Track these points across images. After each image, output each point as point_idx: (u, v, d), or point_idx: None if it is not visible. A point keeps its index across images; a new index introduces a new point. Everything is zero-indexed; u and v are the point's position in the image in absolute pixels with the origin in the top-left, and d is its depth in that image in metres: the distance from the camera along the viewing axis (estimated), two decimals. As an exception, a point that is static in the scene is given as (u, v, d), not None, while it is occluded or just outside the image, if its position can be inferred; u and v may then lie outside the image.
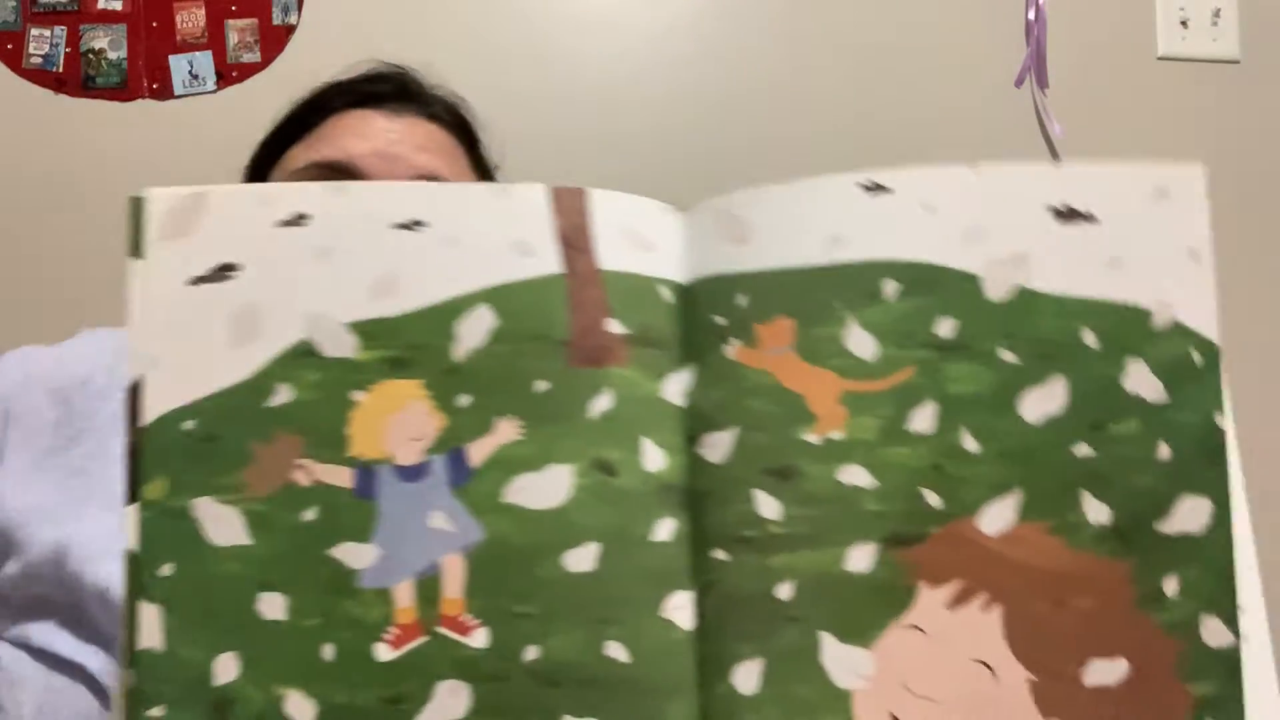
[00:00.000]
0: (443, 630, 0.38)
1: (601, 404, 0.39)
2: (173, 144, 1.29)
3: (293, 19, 1.30)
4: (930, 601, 0.39)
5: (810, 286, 0.41)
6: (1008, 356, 0.40)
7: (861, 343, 0.40)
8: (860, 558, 0.39)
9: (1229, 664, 0.39)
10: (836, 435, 0.40)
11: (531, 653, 0.38)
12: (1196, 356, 0.40)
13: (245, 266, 0.40)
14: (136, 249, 0.41)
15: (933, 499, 0.39)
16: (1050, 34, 1.39)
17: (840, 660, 0.38)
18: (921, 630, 0.39)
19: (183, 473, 0.40)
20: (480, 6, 1.30)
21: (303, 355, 0.40)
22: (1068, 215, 0.40)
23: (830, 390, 0.40)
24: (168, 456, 0.40)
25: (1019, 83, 1.39)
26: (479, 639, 0.38)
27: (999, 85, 1.39)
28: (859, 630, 0.38)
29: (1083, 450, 0.39)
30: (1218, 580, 0.39)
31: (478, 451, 0.39)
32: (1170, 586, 0.39)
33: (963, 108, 1.38)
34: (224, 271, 0.40)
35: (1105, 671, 0.38)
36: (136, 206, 0.41)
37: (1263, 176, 1.43)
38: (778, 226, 0.41)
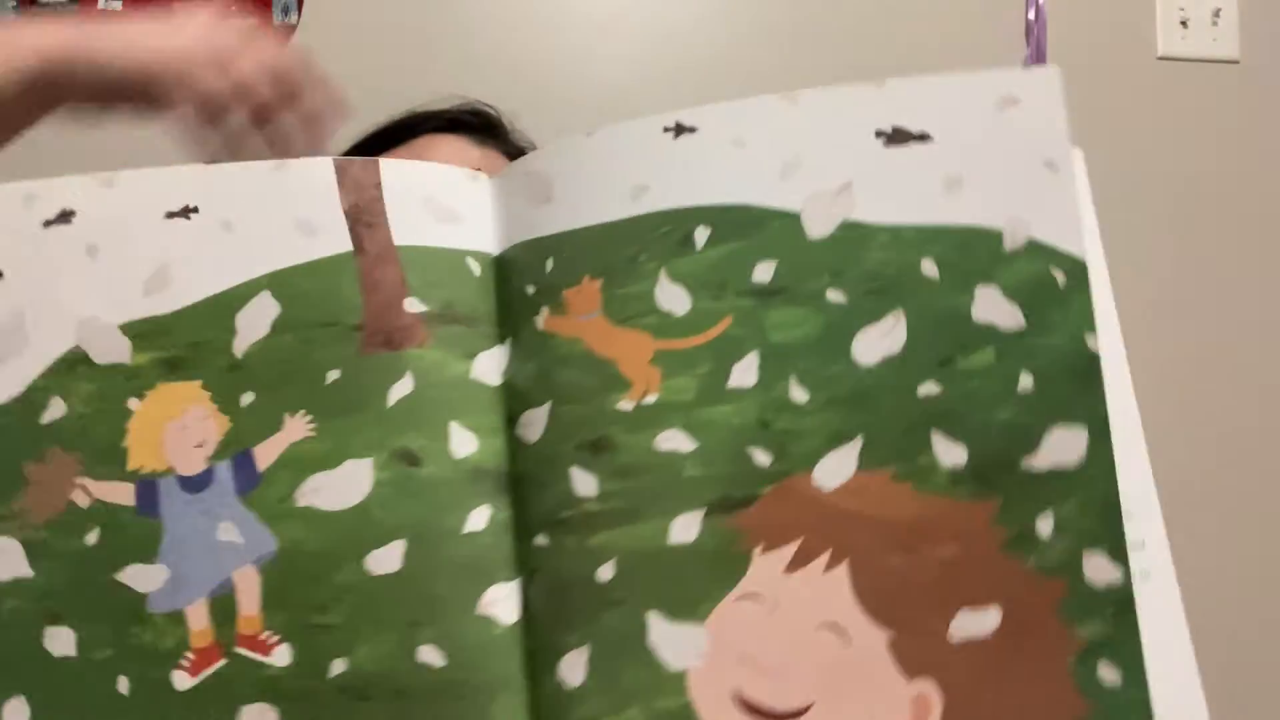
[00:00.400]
0: (242, 650, 0.35)
1: (401, 389, 0.36)
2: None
3: (293, 19, 1.28)
4: (766, 567, 0.35)
5: (616, 242, 0.37)
6: (836, 297, 0.36)
7: (673, 297, 0.37)
8: (684, 528, 0.35)
9: (1119, 601, 0.35)
10: (651, 400, 0.36)
11: (338, 666, 0.35)
12: (1059, 275, 0.36)
13: (7, 272, 0.37)
14: None
15: (761, 457, 0.36)
16: (1050, 34, 1.40)
17: (670, 640, 0.35)
18: (758, 598, 0.35)
19: None
20: (480, 7, 1.28)
21: (75, 364, 0.37)
22: (897, 137, 0.37)
23: (642, 352, 0.37)
24: None
25: None
26: (281, 656, 0.35)
27: None
28: (688, 606, 0.35)
29: (929, 389, 0.36)
30: (1100, 514, 0.35)
31: (265, 454, 0.36)
32: (1044, 525, 0.35)
33: None
34: None
35: (975, 622, 0.35)
36: None
37: (1263, 176, 1.41)
38: (580, 181, 0.38)
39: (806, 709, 0.35)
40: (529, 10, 1.29)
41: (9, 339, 0.37)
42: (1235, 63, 1.42)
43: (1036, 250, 0.36)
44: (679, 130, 0.37)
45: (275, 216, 0.37)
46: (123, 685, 0.35)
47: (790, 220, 0.37)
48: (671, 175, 0.37)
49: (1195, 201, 1.43)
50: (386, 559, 0.35)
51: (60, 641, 0.36)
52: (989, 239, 0.36)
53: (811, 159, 0.37)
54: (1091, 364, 0.36)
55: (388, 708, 0.34)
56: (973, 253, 0.36)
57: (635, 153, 0.37)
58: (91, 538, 0.36)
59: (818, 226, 0.36)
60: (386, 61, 1.23)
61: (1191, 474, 1.39)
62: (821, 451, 0.36)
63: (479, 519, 0.36)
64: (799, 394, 0.36)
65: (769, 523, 0.36)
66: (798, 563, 0.35)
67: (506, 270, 0.39)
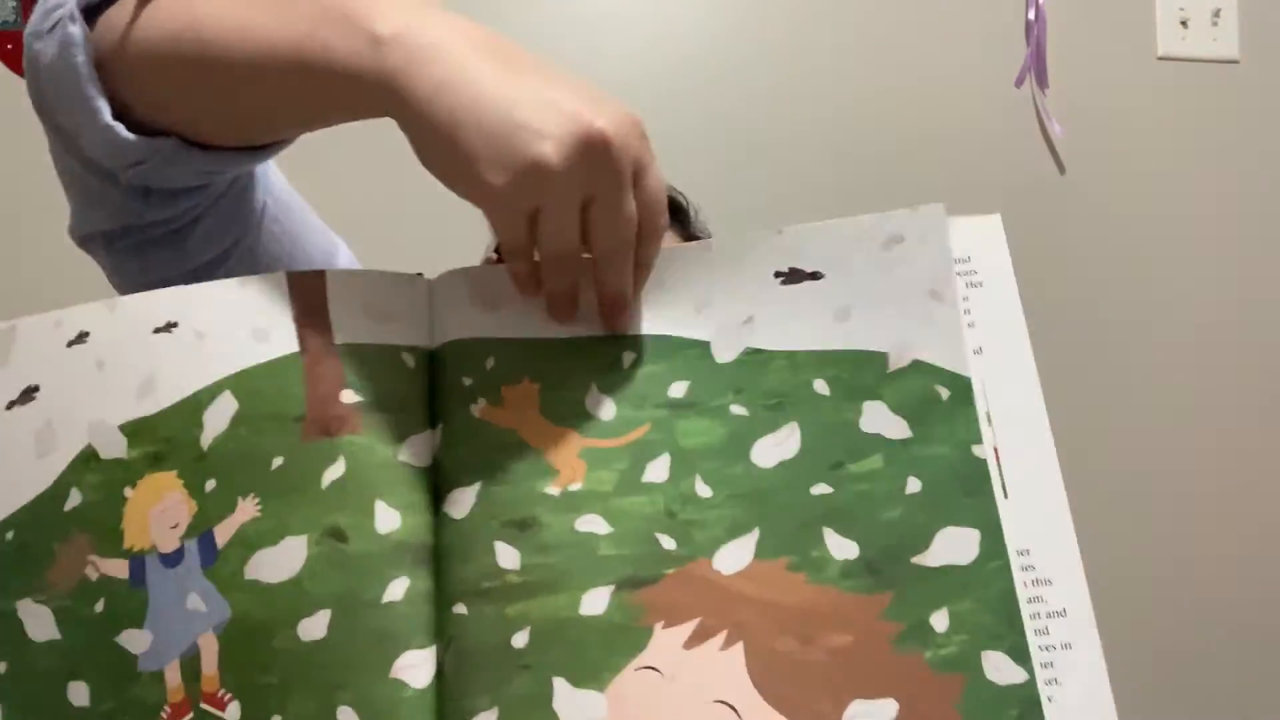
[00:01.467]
0: (205, 706, 0.40)
1: (334, 473, 0.41)
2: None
3: None
4: (666, 641, 0.37)
5: (555, 355, 0.42)
6: (738, 410, 0.40)
7: (601, 405, 0.41)
8: (594, 601, 0.38)
9: (1023, 701, 0.35)
10: (575, 487, 0.40)
11: None
12: (943, 391, 0.40)
13: (44, 386, 0.45)
14: None
15: (667, 542, 0.39)
16: (1050, 34, 1.36)
17: (573, 705, 0.37)
18: (658, 670, 0.37)
19: (6, 579, 0.44)
20: (480, 7, 1.34)
21: (88, 459, 0.44)
22: (792, 276, 0.41)
23: (571, 447, 0.41)
24: None
25: (1019, 83, 1.36)
26: (232, 713, 0.40)
27: (999, 85, 1.36)
28: (592, 674, 0.37)
29: (821, 489, 0.39)
30: (996, 612, 0.36)
31: (223, 533, 0.41)
32: (939, 621, 0.36)
33: (963, 108, 1.34)
34: (29, 393, 0.45)
35: (871, 713, 0.36)
36: None
37: (1263, 176, 1.37)
38: (527, 301, 0.43)
39: None
40: (528, 10, 1.33)
41: (43, 441, 0.45)
42: (1235, 63, 1.37)
43: (921, 369, 0.40)
44: None
45: (237, 325, 0.43)
46: None
47: (701, 348, 0.41)
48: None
49: (1195, 201, 1.37)
50: (314, 627, 0.39)
51: (78, 694, 0.42)
52: (875, 360, 0.40)
53: (720, 297, 0.42)
54: (979, 470, 0.38)
55: None
56: (860, 372, 0.40)
57: None
58: (99, 606, 0.43)
59: (724, 353, 0.41)
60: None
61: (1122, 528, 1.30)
62: (722, 540, 0.38)
63: (397, 589, 0.40)
64: (704, 490, 0.39)
65: (671, 601, 0.38)
66: (696, 639, 0.37)
67: (441, 363, 0.43)
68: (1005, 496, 0.40)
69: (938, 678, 0.36)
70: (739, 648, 0.37)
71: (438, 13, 0.40)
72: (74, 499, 0.44)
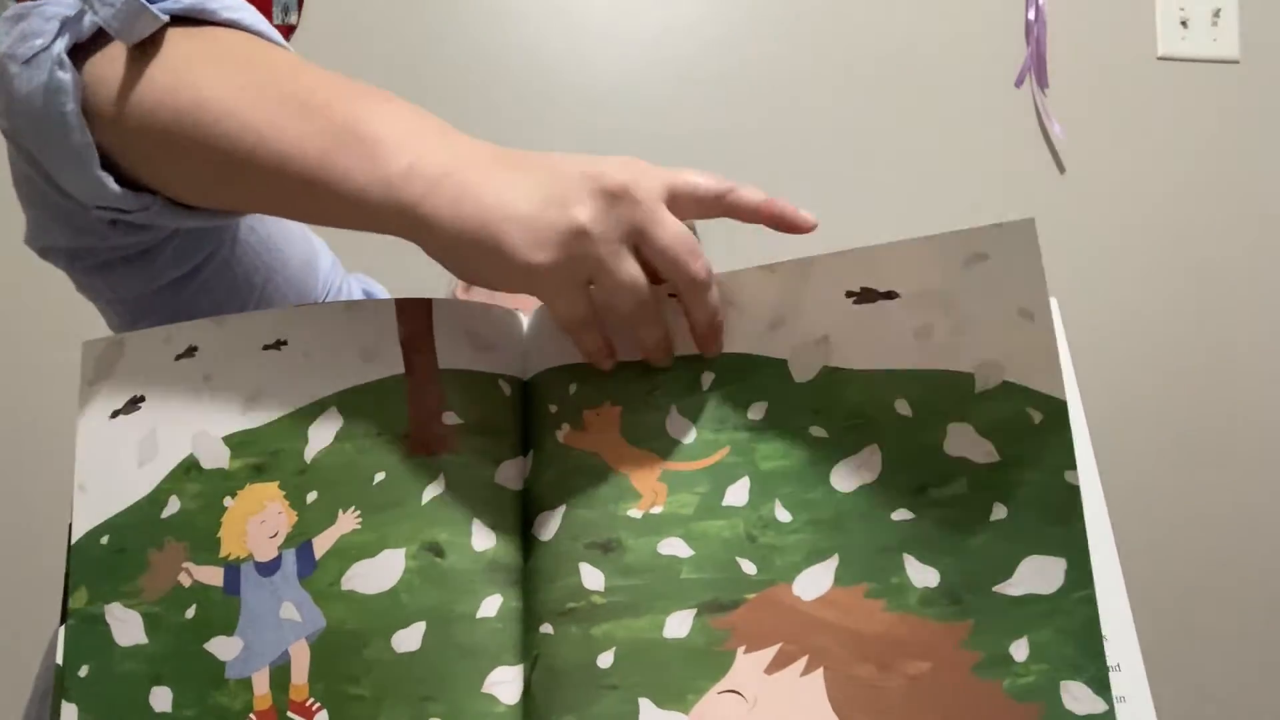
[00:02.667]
0: (293, 716, 0.41)
1: (434, 490, 0.42)
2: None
3: (293, 19, 1.30)
4: (748, 666, 0.38)
5: (634, 379, 0.43)
6: (817, 431, 0.40)
7: (680, 427, 0.42)
8: (678, 624, 0.39)
9: None
10: (657, 510, 0.41)
11: None
12: (1035, 415, 0.38)
13: (150, 397, 0.47)
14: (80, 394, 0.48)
15: (748, 567, 0.39)
16: (1050, 34, 1.37)
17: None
18: (740, 694, 0.37)
19: (98, 582, 0.45)
20: (480, 7, 1.34)
21: (189, 469, 0.45)
22: (865, 296, 0.41)
23: (652, 470, 0.41)
24: (89, 569, 0.46)
25: (1019, 83, 1.37)
26: None
27: (999, 85, 1.37)
28: (676, 695, 0.38)
29: (902, 514, 0.39)
30: (1079, 642, 0.36)
31: (322, 543, 0.42)
32: (1019, 650, 0.36)
33: (963, 108, 1.35)
34: (134, 403, 0.47)
35: None
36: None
37: (1263, 176, 1.37)
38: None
39: None
40: (528, 11, 1.33)
41: (145, 449, 0.46)
42: (1235, 63, 1.38)
43: (1011, 391, 0.38)
44: None
45: (345, 346, 0.44)
46: None
47: (779, 366, 0.42)
48: (681, 329, 0.43)
49: (1195, 201, 1.37)
50: (409, 639, 0.40)
51: (160, 699, 0.43)
52: (961, 381, 0.39)
53: (792, 316, 0.42)
54: (1070, 497, 0.37)
55: None
56: (945, 393, 0.39)
57: None
58: (190, 613, 0.43)
59: (802, 372, 0.41)
60: (386, 61, 1.29)
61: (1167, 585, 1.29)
62: (801, 566, 0.39)
63: (491, 606, 0.40)
64: (783, 514, 0.40)
65: (752, 626, 0.38)
66: (777, 665, 0.38)
67: (533, 393, 0.44)
68: None
69: (1015, 706, 0.36)
70: (819, 674, 0.37)
71: (440, 136, 0.42)
72: (172, 507, 0.45)
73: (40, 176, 0.48)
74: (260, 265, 0.59)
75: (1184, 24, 1.37)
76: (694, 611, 0.39)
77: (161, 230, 0.51)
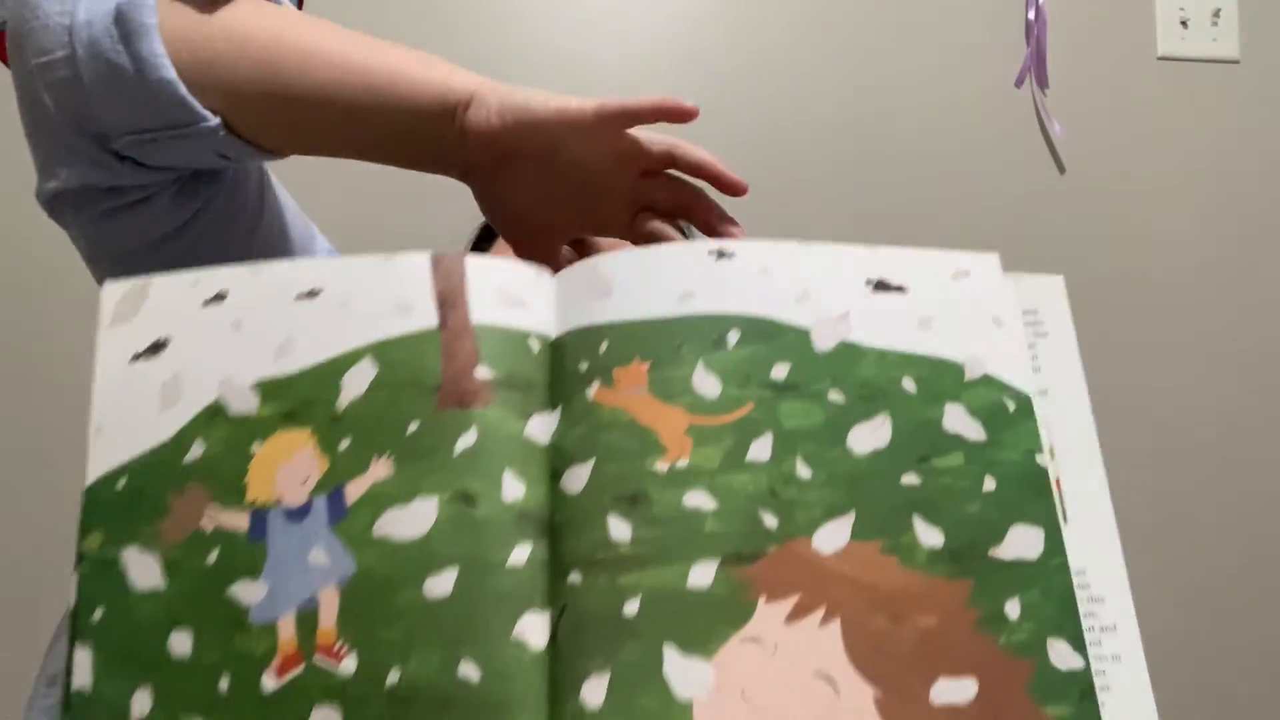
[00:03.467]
0: (319, 658, 0.41)
1: (466, 441, 0.42)
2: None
3: None
4: (768, 615, 0.39)
5: (663, 334, 0.45)
6: (836, 397, 0.43)
7: (707, 383, 0.44)
8: (701, 574, 0.40)
9: (1081, 687, 0.39)
10: (682, 464, 0.42)
11: (393, 676, 0.40)
12: (1010, 404, 0.44)
13: (174, 341, 0.47)
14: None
15: (770, 520, 0.41)
16: (1050, 34, 1.39)
17: (682, 672, 0.39)
18: (760, 642, 0.39)
19: (114, 525, 0.45)
20: (479, 7, 1.35)
21: (214, 414, 0.45)
22: (881, 286, 0.46)
23: (678, 424, 0.43)
24: (103, 512, 0.45)
25: (1019, 83, 1.39)
26: (348, 665, 0.40)
27: (999, 85, 1.39)
28: (699, 643, 0.39)
29: (910, 479, 0.42)
30: (1059, 605, 0.40)
31: (354, 489, 0.42)
32: (1012, 609, 0.40)
33: (963, 108, 1.37)
34: (157, 347, 0.47)
35: (954, 690, 0.38)
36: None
37: (1263, 176, 1.40)
38: (636, 284, 0.46)
39: None
40: (528, 11, 1.35)
41: (169, 393, 0.46)
42: (1235, 63, 1.42)
43: (991, 383, 0.44)
44: (720, 255, 0.46)
45: (381, 298, 0.45)
46: (223, 685, 0.42)
47: (802, 334, 0.45)
48: (713, 287, 0.45)
49: (1195, 201, 1.40)
50: (440, 585, 0.41)
51: (179, 643, 0.43)
52: (954, 369, 0.45)
53: (819, 292, 0.45)
54: (1041, 476, 0.42)
55: (431, 714, 0.39)
56: (941, 378, 0.45)
57: (684, 266, 0.46)
58: (212, 558, 0.43)
59: (823, 342, 0.45)
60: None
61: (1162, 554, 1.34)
62: (821, 521, 0.41)
63: (520, 555, 0.41)
64: (804, 471, 0.42)
65: (773, 577, 0.40)
66: (796, 614, 0.39)
67: (562, 350, 0.45)
68: (1065, 521, 0.44)
69: (1012, 661, 0.39)
70: (836, 624, 0.39)
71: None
72: (195, 451, 0.45)
73: (67, 107, 0.50)
74: (252, 220, 0.61)
75: (1184, 24, 1.40)
76: (717, 562, 0.40)
77: (166, 174, 0.53)
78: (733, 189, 0.51)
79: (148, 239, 0.55)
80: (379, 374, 0.44)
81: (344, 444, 0.43)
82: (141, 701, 0.42)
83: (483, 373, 0.44)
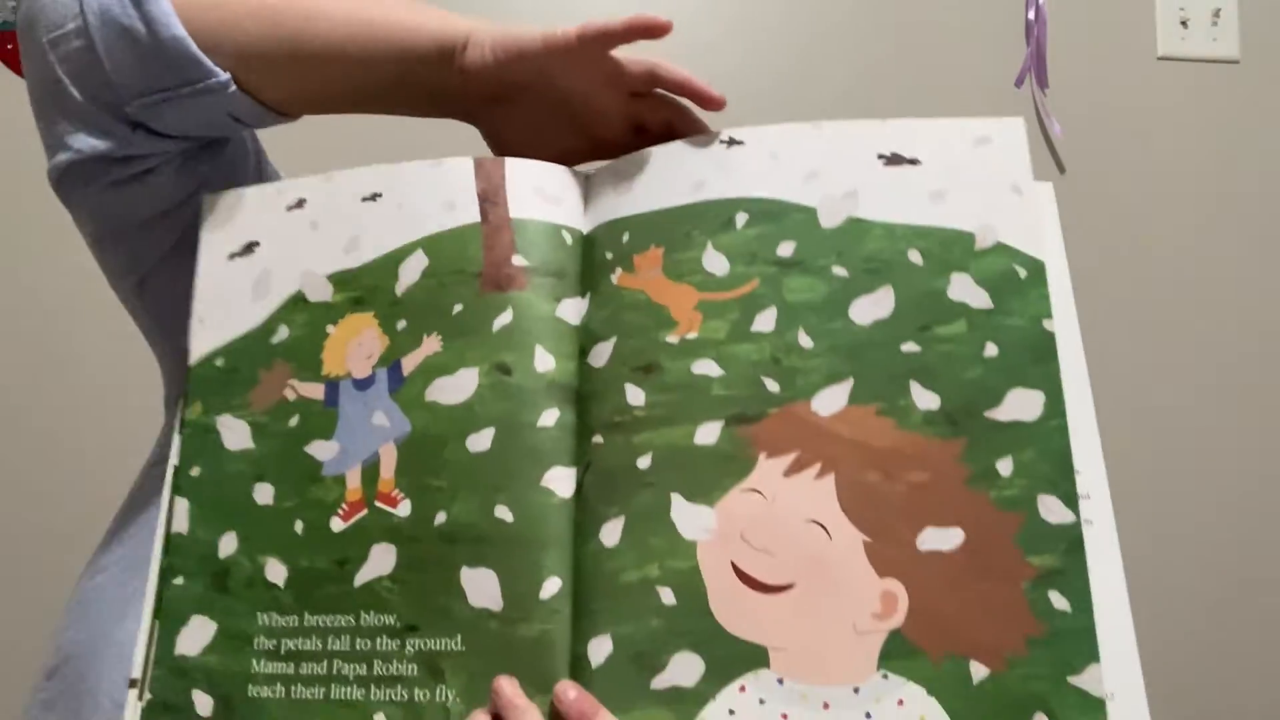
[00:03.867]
0: (379, 504, 0.48)
1: (503, 320, 0.48)
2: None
3: None
4: (768, 469, 0.43)
5: (677, 221, 0.49)
6: (839, 271, 0.46)
7: (716, 262, 0.48)
8: (707, 433, 0.45)
9: (1069, 540, 0.41)
10: (692, 336, 0.46)
11: (440, 518, 0.46)
12: (1020, 271, 0.45)
13: (263, 242, 0.54)
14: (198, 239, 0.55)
15: (771, 385, 0.45)
16: (1050, 34, 1.37)
17: (687, 516, 0.44)
18: (760, 493, 0.43)
19: (211, 397, 0.53)
20: (479, 7, 1.37)
21: (297, 302, 0.52)
22: (894, 160, 0.48)
23: (689, 300, 0.47)
24: (204, 386, 0.53)
25: (1019, 83, 1.37)
26: (403, 509, 0.47)
27: (999, 85, 1.37)
28: (704, 491, 0.44)
29: (910, 347, 0.44)
30: (1053, 463, 0.42)
31: (409, 363, 0.49)
32: (1004, 466, 0.42)
33: (963, 108, 1.33)
34: (250, 247, 0.54)
35: (940, 538, 0.42)
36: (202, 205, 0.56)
37: (1263, 176, 1.37)
38: (654, 177, 0.50)
39: (789, 587, 0.42)
40: (529, 10, 1.34)
41: (260, 287, 0.53)
42: (1235, 63, 1.37)
43: (1002, 250, 0.45)
44: (731, 142, 0.49)
45: (431, 197, 0.51)
46: (298, 527, 0.49)
47: (808, 213, 0.47)
48: (723, 174, 0.49)
49: (1195, 201, 1.37)
50: (481, 441, 0.47)
51: (263, 494, 0.50)
52: (964, 239, 0.46)
53: (827, 171, 0.48)
54: (1048, 341, 0.44)
55: (470, 549, 0.45)
56: (950, 248, 0.46)
57: (697, 157, 0.49)
58: (293, 422, 0.51)
59: (829, 219, 0.47)
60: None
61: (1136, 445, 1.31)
62: (820, 386, 0.44)
63: (549, 418, 0.47)
64: (805, 341, 0.45)
65: (774, 436, 0.44)
66: (794, 469, 0.43)
67: (592, 243, 0.50)
68: None
69: (1000, 514, 0.42)
70: (831, 478, 0.43)
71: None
72: (281, 334, 0.52)
73: (80, 77, 0.52)
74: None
75: (1184, 24, 1.37)
76: (722, 423, 0.45)
77: (175, 143, 0.55)
78: (713, 104, 0.53)
79: (152, 212, 0.57)
80: (429, 264, 0.50)
81: (401, 324, 0.50)
82: (228, 543, 0.50)
83: (519, 261, 0.49)
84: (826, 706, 0.40)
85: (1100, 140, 1.38)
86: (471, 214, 0.50)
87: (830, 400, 0.44)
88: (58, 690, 0.55)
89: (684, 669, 0.42)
